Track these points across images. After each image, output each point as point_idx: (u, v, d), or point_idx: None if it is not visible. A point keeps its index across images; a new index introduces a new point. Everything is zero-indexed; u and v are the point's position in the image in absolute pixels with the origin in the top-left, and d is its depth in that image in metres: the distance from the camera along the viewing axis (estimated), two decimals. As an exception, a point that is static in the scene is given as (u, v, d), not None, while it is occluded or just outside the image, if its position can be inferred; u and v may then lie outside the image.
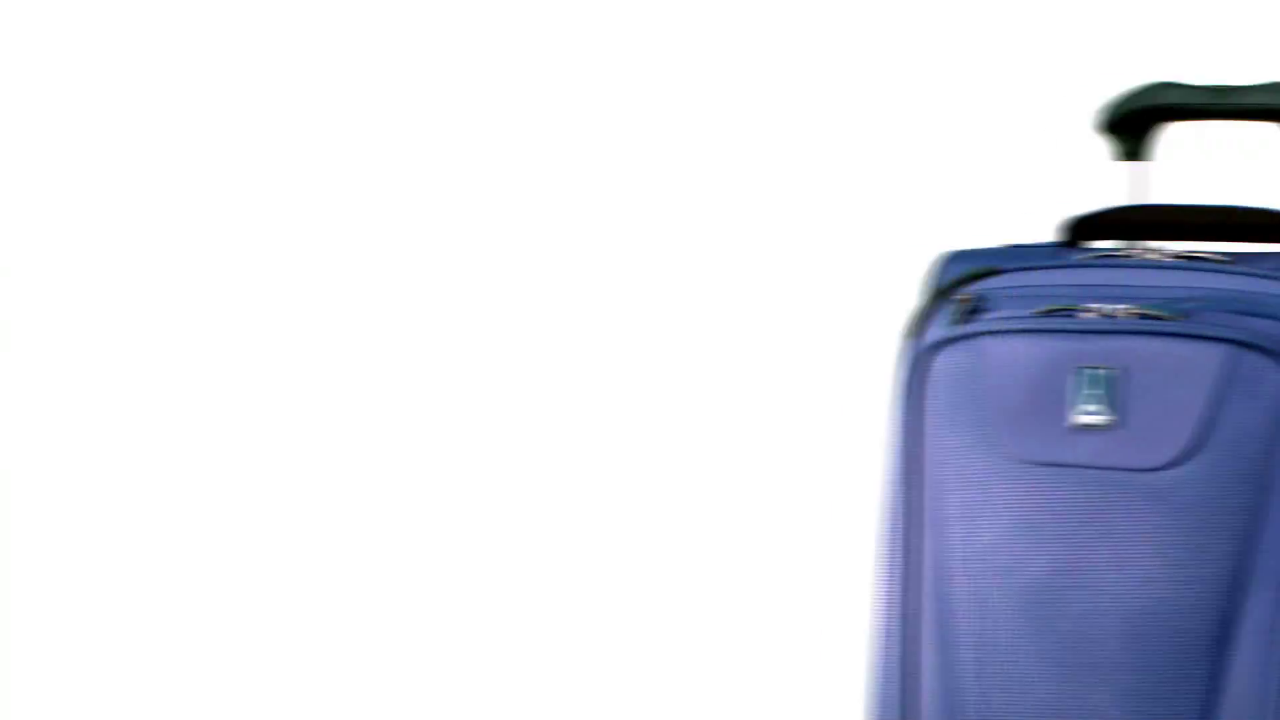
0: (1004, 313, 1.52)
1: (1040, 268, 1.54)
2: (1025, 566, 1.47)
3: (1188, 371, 1.44)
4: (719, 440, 2.19)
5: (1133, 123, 1.62)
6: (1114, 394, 1.45)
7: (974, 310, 1.54)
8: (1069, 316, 1.48)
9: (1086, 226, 1.59)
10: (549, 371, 2.22)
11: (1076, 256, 1.54)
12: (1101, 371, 1.46)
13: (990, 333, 1.50)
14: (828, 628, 2.02)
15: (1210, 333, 1.43)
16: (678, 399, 2.21)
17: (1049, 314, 1.49)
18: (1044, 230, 1.63)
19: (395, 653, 2.22)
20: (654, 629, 2.21)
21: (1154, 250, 1.52)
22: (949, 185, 2.06)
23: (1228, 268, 1.48)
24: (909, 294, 1.60)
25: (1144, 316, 1.46)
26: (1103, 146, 1.64)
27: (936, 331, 1.54)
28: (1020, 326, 1.49)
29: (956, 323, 1.53)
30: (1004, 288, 1.54)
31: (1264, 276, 1.47)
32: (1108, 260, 1.53)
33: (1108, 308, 1.48)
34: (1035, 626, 1.47)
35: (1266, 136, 1.60)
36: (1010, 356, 1.49)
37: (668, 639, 2.20)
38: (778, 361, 2.15)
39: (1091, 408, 1.46)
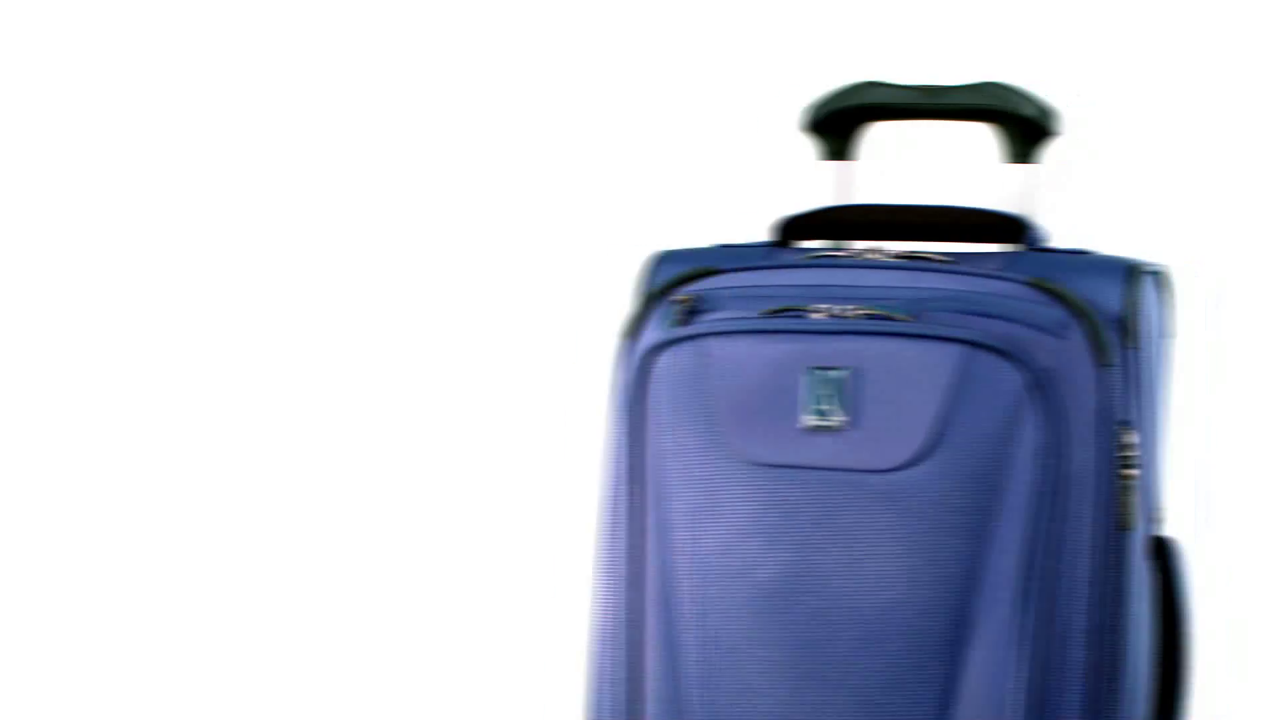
0: (728, 313, 1.49)
1: (761, 268, 1.52)
2: (755, 569, 1.44)
3: (920, 372, 1.43)
4: (439, 445, 2.14)
5: (838, 122, 1.62)
6: (846, 395, 1.44)
7: (693, 311, 1.50)
8: (797, 317, 1.46)
9: (798, 226, 1.57)
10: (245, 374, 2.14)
11: (797, 256, 1.53)
12: (832, 373, 1.44)
13: (715, 334, 1.47)
14: (552, 633, 1.97)
15: (943, 333, 1.42)
16: (395, 403, 2.15)
17: (776, 314, 1.47)
18: (753, 230, 1.61)
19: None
20: (372, 633, 2.15)
21: (875, 250, 1.51)
22: (655, 185, 2.03)
23: (951, 268, 1.48)
24: (621, 294, 1.56)
25: (874, 317, 1.44)
26: (809, 146, 1.63)
27: (656, 332, 1.50)
28: (747, 327, 1.47)
29: (677, 323, 1.49)
30: (724, 288, 1.51)
31: (989, 276, 1.46)
32: (830, 260, 1.51)
33: (836, 308, 1.46)
34: (766, 630, 1.44)
35: (972, 136, 1.60)
36: (737, 357, 1.46)
37: (387, 642, 2.14)
38: (494, 364, 2.10)
39: (823, 409, 1.44)
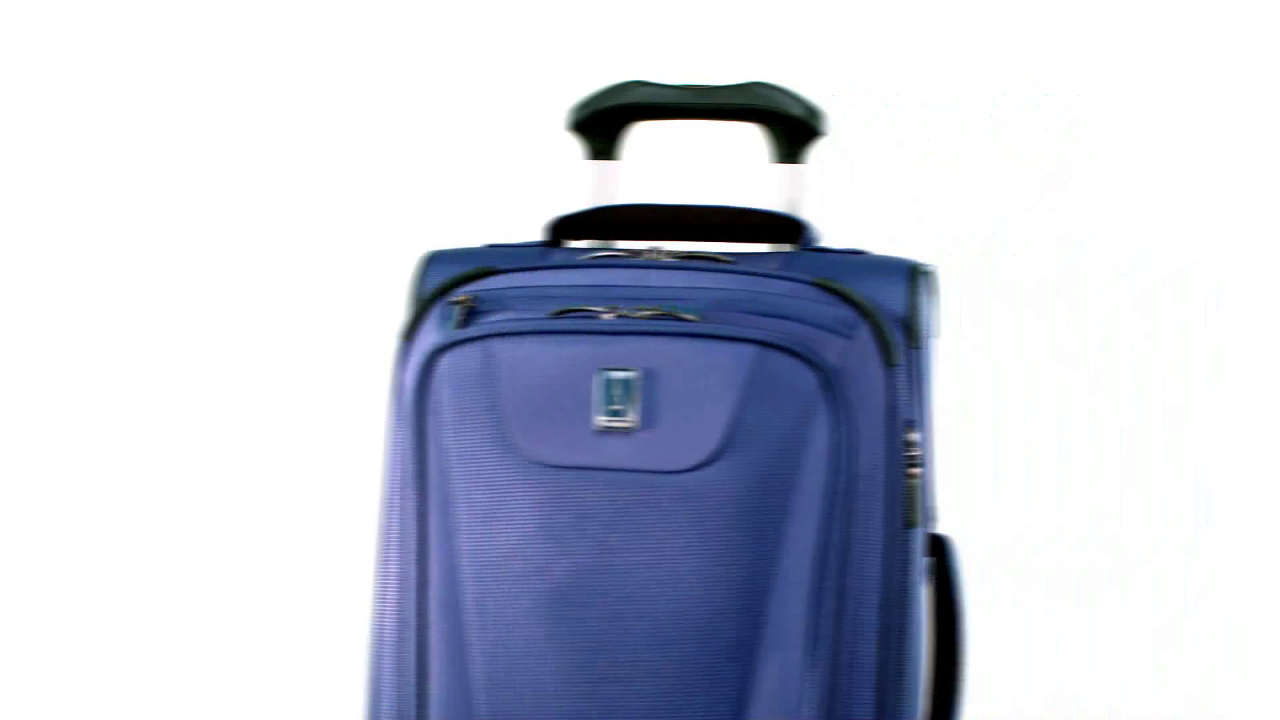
0: (513, 314, 1.46)
1: (542, 268, 1.50)
2: (546, 572, 1.42)
3: (712, 373, 1.42)
4: (218, 451, 2.06)
5: (602, 121, 1.60)
6: (638, 396, 1.43)
7: (473, 311, 1.48)
8: (587, 317, 1.44)
9: (571, 226, 1.55)
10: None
11: (578, 256, 1.51)
12: (624, 373, 1.43)
13: (502, 334, 1.44)
14: (333, 637, 1.91)
15: (734, 333, 1.42)
16: (176, 410, 2.07)
17: (565, 315, 1.44)
18: (517, 230, 1.60)
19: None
20: (150, 635, 2.07)
21: (656, 250, 1.50)
22: (418, 185, 1.98)
23: (735, 268, 1.48)
24: (390, 296, 1.52)
25: (664, 317, 1.43)
26: (576, 145, 1.61)
27: (436, 334, 1.47)
28: (535, 328, 1.45)
29: (458, 324, 1.46)
30: (506, 288, 1.49)
31: (774, 277, 1.47)
32: (613, 260, 1.50)
33: (626, 308, 1.44)
34: (558, 633, 1.42)
35: (740, 136, 1.61)
36: (525, 359, 1.44)
37: (168, 645, 2.06)
38: (270, 367, 2.02)
39: (615, 410, 1.43)
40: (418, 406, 1.46)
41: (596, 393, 1.43)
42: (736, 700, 1.40)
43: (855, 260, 1.50)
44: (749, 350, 1.41)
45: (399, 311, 1.54)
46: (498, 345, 1.45)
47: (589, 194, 1.60)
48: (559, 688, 1.42)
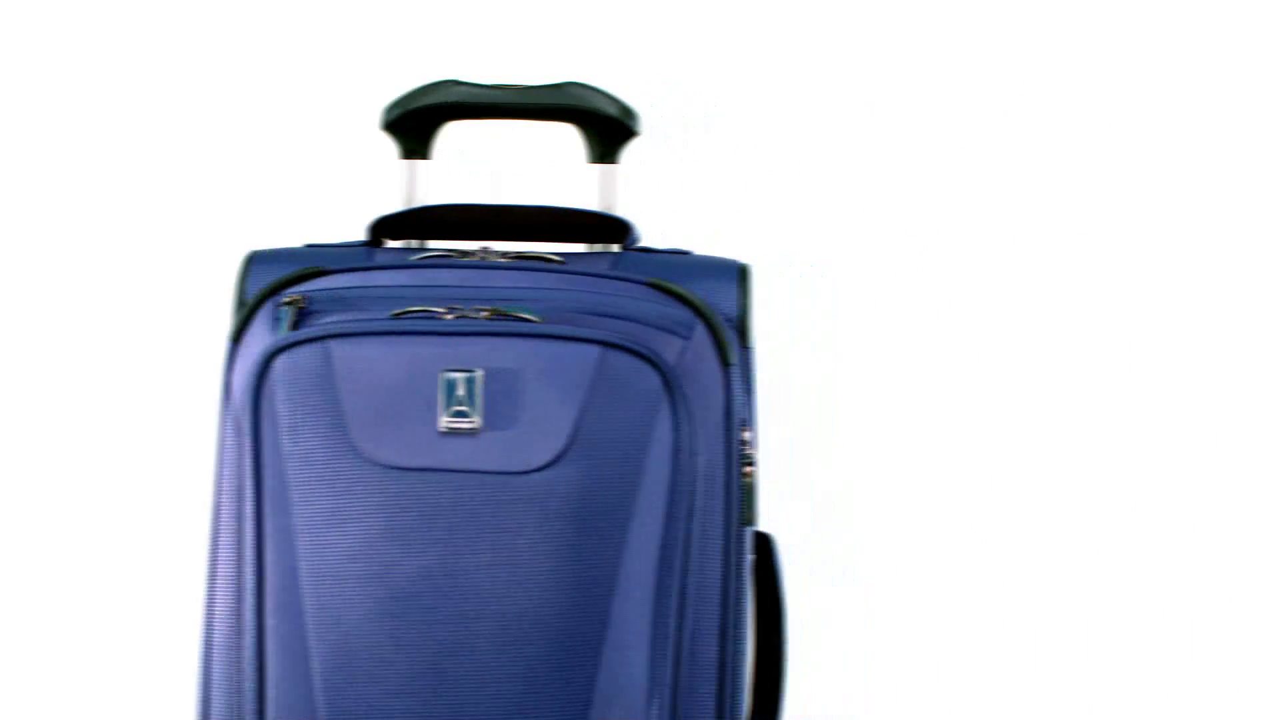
0: (349, 315, 1.44)
1: (374, 268, 1.48)
2: (390, 574, 1.40)
3: (556, 373, 1.42)
4: (43, 454, 1.96)
5: (415, 120, 1.59)
6: (482, 397, 1.42)
7: (305, 312, 1.45)
8: (427, 318, 1.42)
9: (391, 226, 1.54)
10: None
11: (409, 256, 1.50)
12: (467, 375, 1.42)
13: (340, 335, 1.42)
14: (165, 642, 1.85)
15: (578, 334, 1.42)
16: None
17: (404, 316, 1.43)
18: (332, 230, 1.58)
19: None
20: None
21: (484, 250, 1.50)
22: (224, 185, 1.93)
23: (568, 268, 1.48)
24: (204, 297, 1.48)
25: (506, 318, 1.42)
26: (390, 145, 1.60)
27: (268, 335, 1.45)
28: (375, 329, 1.43)
29: (292, 326, 1.43)
30: (338, 289, 1.47)
31: (610, 278, 1.48)
32: (447, 261, 1.49)
33: (468, 309, 1.43)
34: (403, 636, 1.41)
35: (555, 136, 1.61)
36: (366, 360, 1.42)
37: None
38: (86, 369, 1.94)
39: (459, 411, 1.42)
40: (253, 409, 1.43)
41: (440, 394, 1.41)
42: (584, 700, 1.41)
43: (683, 261, 1.51)
44: (592, 351, 1.42)
45: (212, 312, 1.50)
46: (336, 346, 1.42)
47: (402, 193, 1.59)
48: (404, 692, 1.41)
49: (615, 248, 1.55)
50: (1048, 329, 1.90)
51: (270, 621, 1.42)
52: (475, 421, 1.41)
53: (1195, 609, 1.89)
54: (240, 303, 1.49)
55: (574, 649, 1.41)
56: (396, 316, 1.44)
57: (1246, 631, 1.88)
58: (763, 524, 1.54)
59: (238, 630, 1.44)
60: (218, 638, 1.45)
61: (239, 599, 1.44)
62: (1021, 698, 1.90)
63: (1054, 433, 1.90)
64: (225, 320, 1.54)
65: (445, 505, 1.41)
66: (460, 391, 1.42)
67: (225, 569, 1.45)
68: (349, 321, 1.43)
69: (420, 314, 1.44)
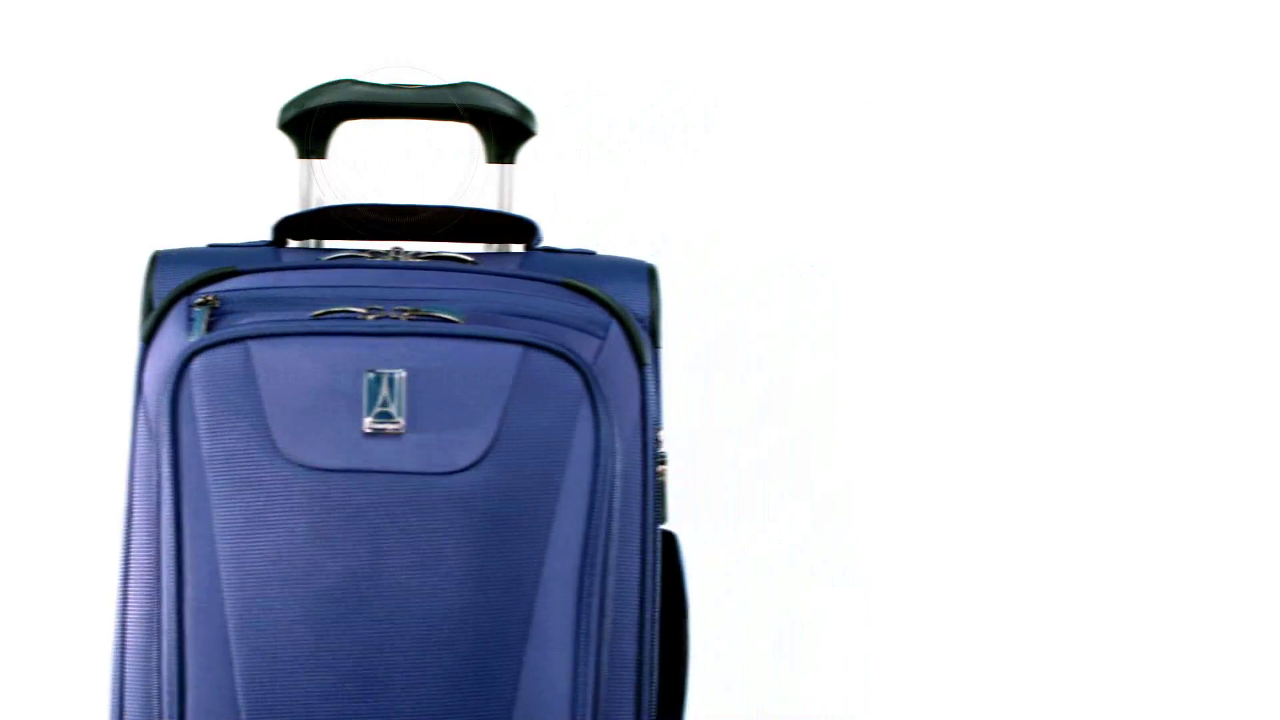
0: (267, 316, 1.43)
1: (288, 268, 1.47)
2: (315, 576, 1.40)
3: (479, 374, 1.42)
4: None
5: (312, 120, 1.58)
6: (406, 398, 1.42)
7: (220, 313, 1.44)
8: (349, 319, 1.42)
9: (296, 225, 1.53)
10: None
11: (326, 256, 1.49)
12: (391, 375, 1.42)
13: (261, 336, 1.41)
14: (78, 648, 1.80)
15: (499, 334, 1.43)
16: None
17: (325, 316, 1.42)
18: (229, 229, 1.58)
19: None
20: None
21: (397, 250, 1.50)
22: (119, 185, 1.89)
23: (483, 268, 1.48)
24: (100, 297, 1.45)
25: (428, 318, 1.43)
26: (288, 144, 1.59)
27: (182, 336, 1.43)
28: (296, 329, 1.42)
29: (208, 327, 1.42)
30: (252, 289, 1.46)
31: (523, 278, 1.49)
32: (361, 261, 1.49)
33: (389, 310, 1.43)
34: (329, 638, 1.40)
35: (452, 135, 1.62)
36: (287, 361, 1.41)
37: None
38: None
39: (383, 412, 1.42)
40: (170, 410, 1.41)
41: (363, 395, 1.41)
42: (508, 699, 1.41)
43: (592, 261, 1.52)
44: (514, 351, 1.42)
45: (108, 313, 1.48)
46: (256, 347, 1.41)
47: (298, 193, 1.58)
48: (329, 695, 1.40)
49: (516, 248, 1.54)
50: (1045, 328, 1.92)
51: (190, 625, 1.40)
52: (399, 422, 1.41)
53: (1193, 608, 1.91)
54: (148, 303, 1.47)
55: (498, 649, 1.41)
56: (317, 317, 1.42)
57: (1246, 632, 1.91)
58: (763, 524, 1.55)
59: (154, 634, 1.42)
60: (132, 642, 1.43)
61: (156, 603, 1.42)
62: (1021, 698, 1.91)
63: (1051, 432, 1.92)
64: (121, 320, 1.51)
65: (369, 506, 1.40)
66: (383, 392, 1.41)
67: (140, 572, 1.43)
68: (269, 322, 1.42)
69: (341, 314, 1.43)
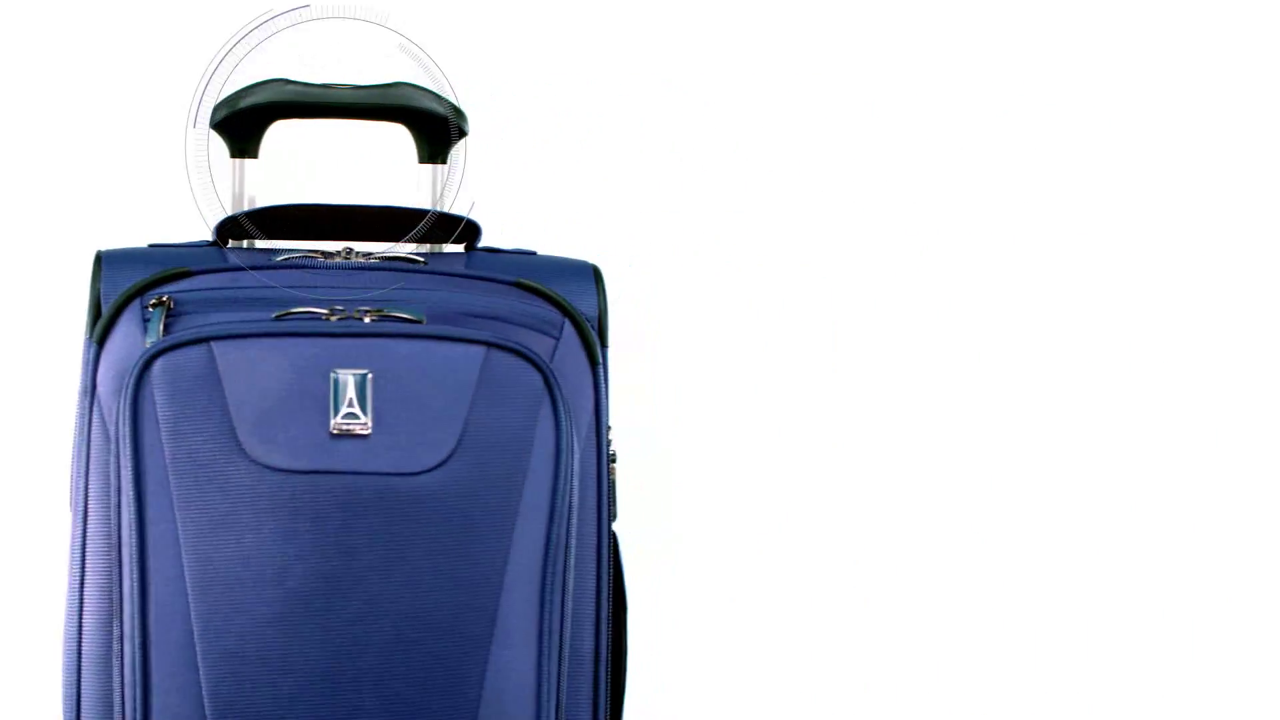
0: (226, 316, 1.43)
1: (240, 269, 1.46)
2: (284, 578, 1.39)
3: (444, 374, 1.43)
4: None
5: (244, 119, 1.56)
6: (372, 399, 1.41)
7: (175, 313, 1.43)
8: (312, 319, 1.42)
9: (238, 225, 1.52)
10: None
11: (278, 257, 1.48)
12: (358, 375, 1.42)
13: (225, 336, 1.40)
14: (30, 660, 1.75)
15: (463, 334, 1.43)
16: None
17: (288, 317, 1.41)
18: (156, 229, 1.56)
19: None
20: None
21: (347, 250, 1.50)
22: (48, 184, 1.85)
23: (433, 268, 1.49)
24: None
25: (391, 319, 1.43)
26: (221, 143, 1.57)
27: (137, 336, 1.42)
28: (260, 330, 1.41)
29: (166, 328, 1.41)
30: (207, 290, 1.45)
31: (476, 278, 1.49)
32: (312, 261, 1.48)
33: (352, 310, 1.43)
34: (298, 639, 1.39)
35: (383, 135, 1.61)
36: (251, 362, 1.41)
37: None
38: None
39: (350, 413, 1.41)
40: (131, 412, 1.39)
41: (330, 396, 1.40)
42: (474, 698, 1.42)
43: (537, 261, 1.53)
44: (478, 351, 1.43)
45: (37, 313, 1.45)
46: (220, 348, 1.40)
47: (231, 192, 1.56)
48: (298, 698, 1.39)
49: (449, 248, 1.55)
50: (1038, 327, 1.94)
51: (154, 630, 1.38)
52: (365, 423, 1.40)
53: (1193, 609, 1.93)
54: (96, 303, 1.45)
55: (465, 647, 1.41)
56: (279, 318, 1.41)
57: (1245, 632, 1.93)
58: (761, 524, 1.56)
59: (115, 640, 1.39)
60: (89, 650, 1.41)
61: (116, 609, 1.39)
62: (1020, 698, 1.92)
63: (1052, 431, 1.94)
64: (52, 321, 1.48)
65: (336, 507, 1.40)
66: (350, 393, 1.41)
67: (96, 576, 1.41)
68: (231, 323, 1.41)
69: (303, 315, 1.42)
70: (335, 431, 1.40)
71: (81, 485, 1.42)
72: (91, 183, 1.85)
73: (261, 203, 1.55)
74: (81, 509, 1.42)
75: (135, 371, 1.39)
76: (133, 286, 1.44)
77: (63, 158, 1.85)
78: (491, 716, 1.41)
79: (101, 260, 1.46)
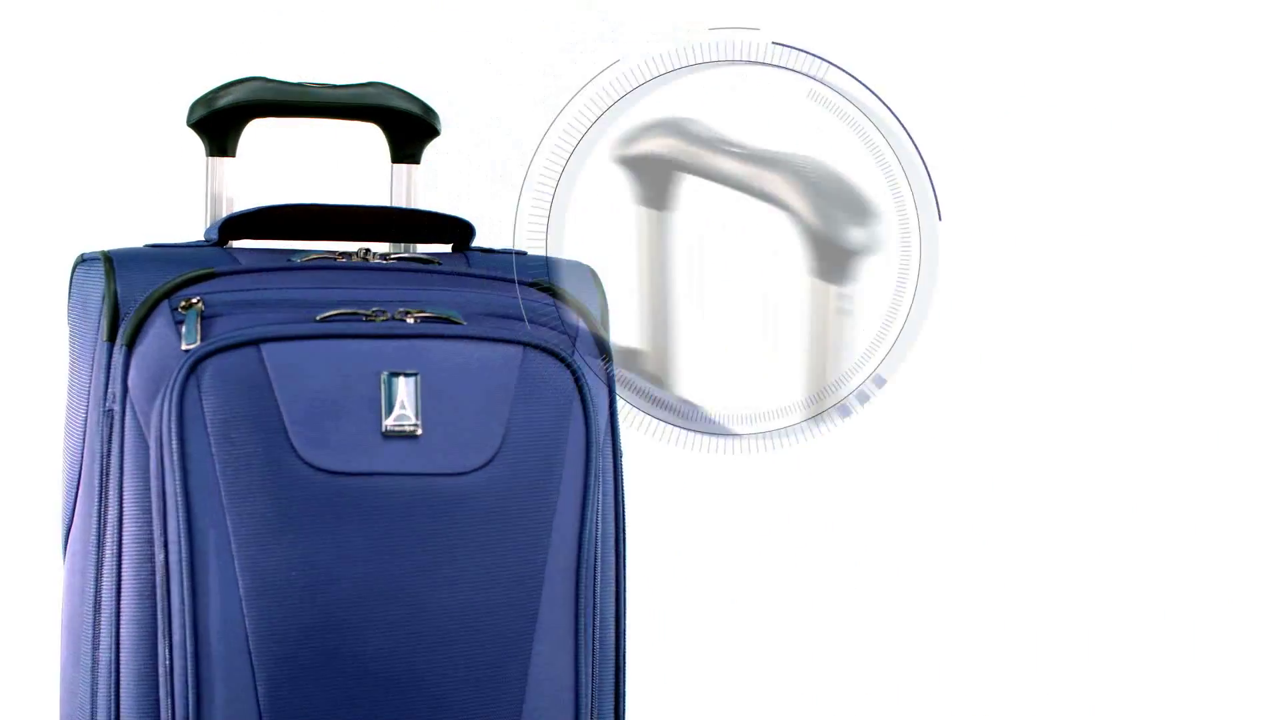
0: (267, 318, 1.39)
1: (267, 270, 1.43)
2: (335, 581, 1.36)
3: (486, 375, 1.41)
4: None
5: (220, 118, 1.53)
6: (420, 400, 1.39)
7: (210, 316, 1.38)
8: (356, 320, 1.39)
9: (240, 225, 1.48)
10: None
11: (300, 258, 1.45)
12: (408, 377, 1.39)
13: (273, 339, 1.37)
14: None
15: (502, 335, 1.42)
16: None
17: (333, 319, 1.39)
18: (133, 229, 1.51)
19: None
20: None
21: (364, 251, 1.47)
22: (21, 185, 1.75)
23: (448, 269, 1.47)
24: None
25: (436, 320, 1.41)
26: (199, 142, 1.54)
27: (171, 338, 1.37)
28: (309, 332, 1.38)
29: (203, 330, 1.36)
30: (237, 291, 1.41)
31: (494, 279, 1.48)
32: (337, 263, 1.45)
33: (394, 311, 1.41)
34: (348, 643, 1.36)
35: (360, 135, 1.58)
36: (301, 363, 1.37)
37: None
38: None
39: (400, 414, 1.39)
40: (178, 416, 1.34)
41: (381, 397, 1.38)
42: (517, 695, 1.41)
43: (533, 261, 1.52)
44: (516, 351, 1.42)
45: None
46: (269, 350, 1.37)
47: (207, 191, 1.53)
48: (356, 700, 1.36)
49: (432, 248, 1.53)
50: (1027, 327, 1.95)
51: (210, 638, 1.34)
52: (417, 424, 1.39)
53: (1192, 609, 1.96)
54: (112, 305, 1.40)
55: (508, 646, 1.40)
56: (328, 319, 1.39)
57: (1244, 633, 1.96)
58: (761, 524, 1.56)
59: (165, 650, 1.34)
60: (129, 660, 1.36)
61: (165, 618, 1.34)
62: (1021, 697, 1.93)
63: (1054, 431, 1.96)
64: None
65: (386, 509, 1.37)
66: (401, 394, 1.39)
67: (137, 585, 1.36)
68: (282, 324, 1.38)
69: (347, 316, 1.39)
70: (387, 433, 1.37)
71: (112, 491, 1.36)
72: (62, 183, 1.79)
73: (240, 203, 1.52)
74: (114, 518, 1.36)
75: (181, 374, 1.35)
76: (162, 288, 1.39)
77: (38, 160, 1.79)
78: (535, 713, 1.41)
79: (113, 261, 1.41)
